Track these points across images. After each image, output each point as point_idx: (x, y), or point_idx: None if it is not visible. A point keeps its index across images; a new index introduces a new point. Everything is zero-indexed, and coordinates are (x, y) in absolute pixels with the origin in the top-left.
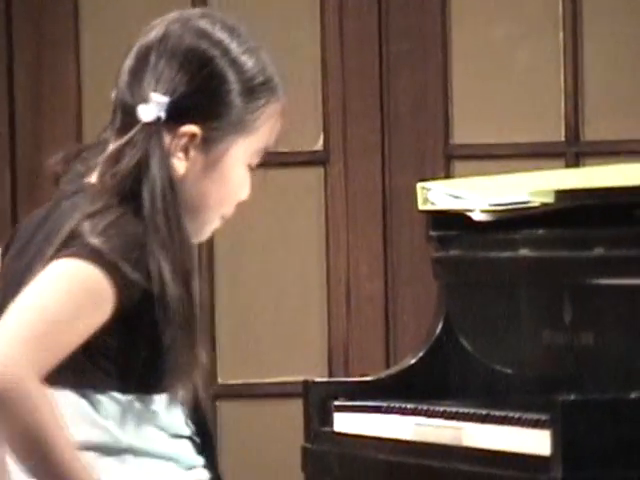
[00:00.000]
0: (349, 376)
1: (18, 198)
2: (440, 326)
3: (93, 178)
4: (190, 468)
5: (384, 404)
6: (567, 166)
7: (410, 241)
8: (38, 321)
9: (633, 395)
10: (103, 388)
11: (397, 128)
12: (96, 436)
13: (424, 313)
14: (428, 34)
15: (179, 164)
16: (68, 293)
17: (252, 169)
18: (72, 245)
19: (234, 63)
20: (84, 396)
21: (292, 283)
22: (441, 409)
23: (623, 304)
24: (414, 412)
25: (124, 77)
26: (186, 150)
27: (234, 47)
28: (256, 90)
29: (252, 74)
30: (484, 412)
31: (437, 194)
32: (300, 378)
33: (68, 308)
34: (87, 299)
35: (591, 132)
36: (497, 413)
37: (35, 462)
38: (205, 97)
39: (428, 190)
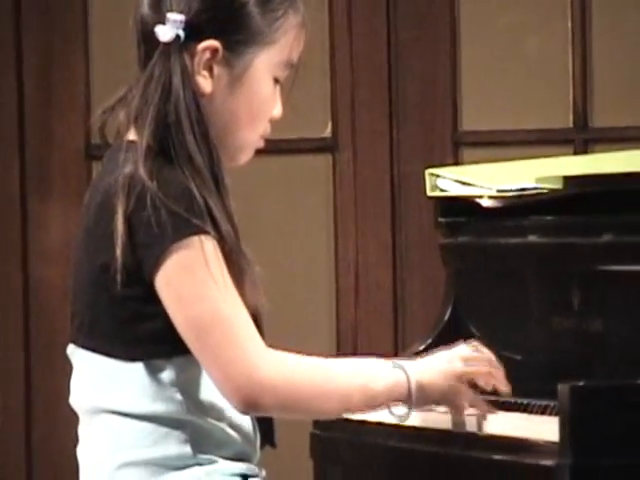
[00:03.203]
0: None
1: (27, 188)
2: (448, 312)
3: (131, 133)
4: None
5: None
6: (575, 153)
7: (418, 228)
8: (224, 318)
9: None
10: (167, 354)
11: (405, 115)
12: (159, 408)
13: (432, 300)
14: (437, 22)
15: (204, 82)
16: (212, 275)
17: (279, 84)
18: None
19: None
20: (147, 366)
21: (301, 270)
22: None
23: (632, 290)
24: None
25: (142, 6)
26: (210, 68)
27: None
28: (272, 1)
29: None
30: (492, 399)
31: (445, 181)
32: None
33: (223, 285)
34: (217, 263)
35: (599, 119)
36: (505, 399)
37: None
38: (221, 10)
39: (436, 177)
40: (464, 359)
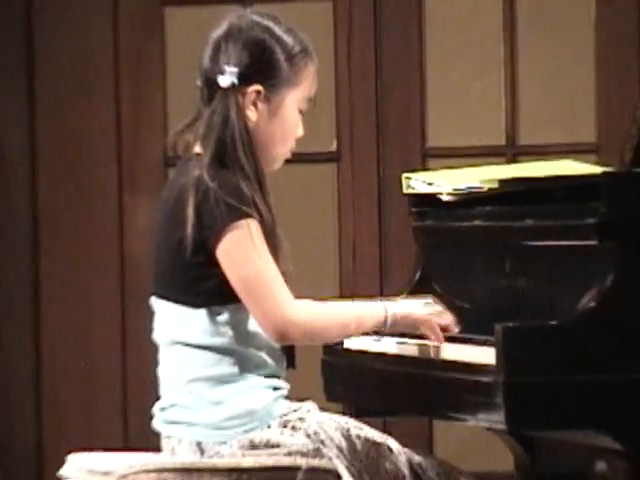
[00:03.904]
0: None
1: (122, 186)
2: (418, 275)
3: (197, 147)
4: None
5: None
6: (507, 162)
7: (398, 215)
8: (264, 278)
9: (553, 322)
10: (222, 302)
11: (388, 136)
12: (217, 341)
13: (407, 266)
14: (410, 69)
15: (251, 114)
16: (256, 247)
17: (302, 114)
18: (218, 215)
19: (279, 40)
20: (209, 311)
21: (313, 245)
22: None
23: (546, 258)
24: (402, 335)
25: (205, 62)
26: (255, 104)
27: (277, 30)
28: (296, 56)
29: (292, 46)
30: (448, 334)
31: (416, 182)
32: None
33: (264, 254)
34: (260, 239)
35: (524, 139)
36: (459, 335)
37: (342, 335)
38: (262, 64)
39: (410, 179)
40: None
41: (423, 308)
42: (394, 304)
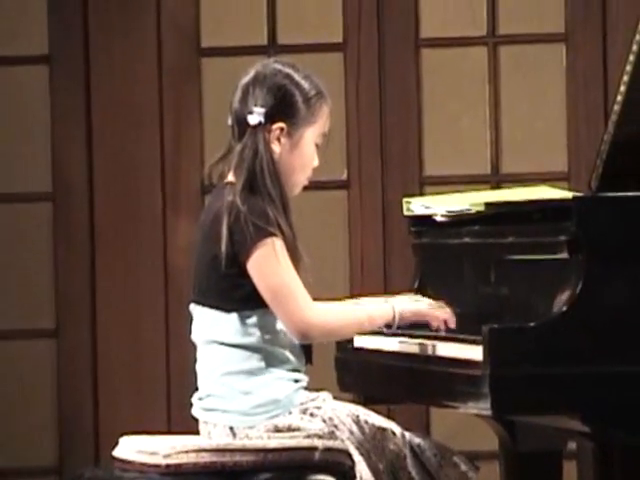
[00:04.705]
0: None
1: (166, 209)
2: (417, 284)
3: (230, 176)
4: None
5: (385, 329)
6: (491, 188)
7: (399, 233)
8: (288, 286)
9: (531, 324)
10: (251, 307)
11: (391, 166)
12: (246, 340)
13: (407, 276)
14: (410, 108)
15: (275, 148)
16: (280, 261)
17: (318, 147)
18: (246, 233)
19: (298, 85)
20: (239, 315)
21: (329, 261)
22: (420, 333)
23: (525, 269)
24: (403, 335)
25: (235, 104)
26: (279, 139)
27: (296, 76)
28: (312, 99)
29: (308, 90)
30: (444, 335)
31: (415, 205)
32: None
33: (287, 267)
34: (284, 254)
35: (506, 168)
36: (452, 335)
37: (356, 332)
38: (285, 106)
39: (409, 203)
40: (429, 304)
41: (423, 303)
42: (400, 302)
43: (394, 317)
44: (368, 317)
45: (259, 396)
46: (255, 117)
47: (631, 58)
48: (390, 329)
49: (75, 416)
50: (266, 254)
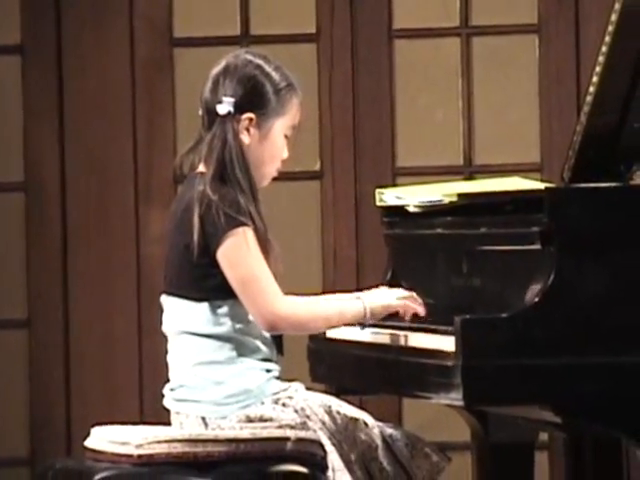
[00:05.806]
0: None
1: (138, 200)
2: (389, 275)
3: (201, 167)
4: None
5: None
6: (464, 179)
7: (372, 224)
8: (258, 277)
9: (503, 315)
10: (222, 297)
11: (364, 157)
12: (218, 330)
13: (380, 266)
14: (383, 100)
15: (245, 138)
16: (251, 251)
17: (288, 139)
18: (216, 223)
19: (268, 76)
20: (210, 305)
21: (300, 251)
22: (391, 324)
23: (497, 260)
24: (375, 325)
25: (206, 94)
26: (248, 130)
27: (267, 67)
28: (282, 90)
29: (279, 82)
30: (416, 325)
31: (387, 196)
32: None
33: (257, 257)
34: (254, 244)
35: (479, 159)
36: (424, 326)
37: (325, 326)
38: (254, 97)
39: (382, 194)
40: (400, 296)
41: (393, 295)
42: (371, 297)
43: (365, 314)
44: (338, 312)
45: (231, 386)
46: (224, 107)
47: (603, 49)
48: (363, 327)
49: (47, 406)
50: (237, 244)
